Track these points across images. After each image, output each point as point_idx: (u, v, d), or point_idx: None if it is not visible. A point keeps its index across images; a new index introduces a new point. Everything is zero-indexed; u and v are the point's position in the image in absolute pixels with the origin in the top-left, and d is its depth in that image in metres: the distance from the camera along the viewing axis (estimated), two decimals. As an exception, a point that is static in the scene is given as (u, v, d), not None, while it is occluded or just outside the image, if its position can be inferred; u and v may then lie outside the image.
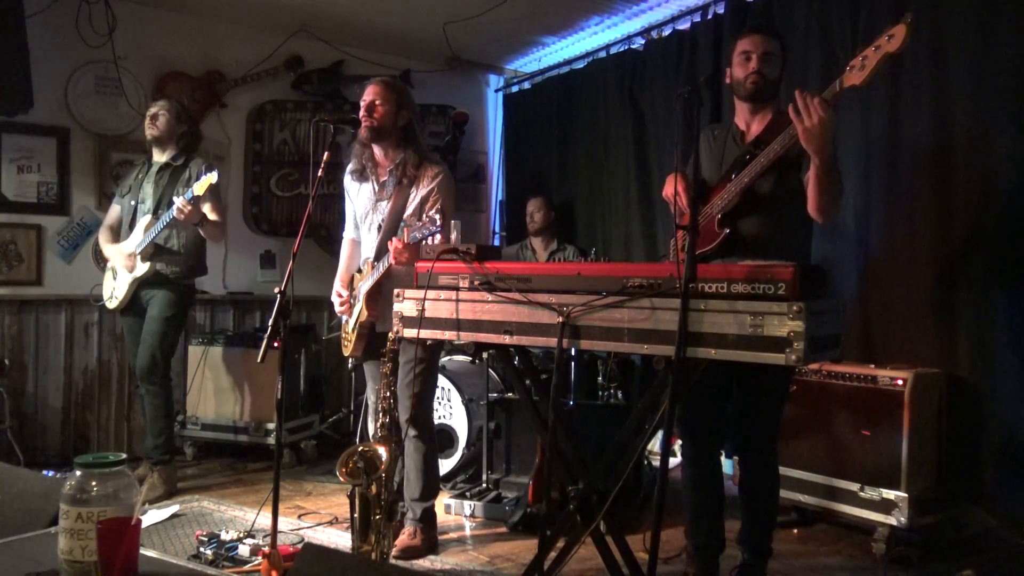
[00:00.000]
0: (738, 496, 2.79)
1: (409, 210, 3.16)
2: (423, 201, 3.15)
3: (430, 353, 3.18)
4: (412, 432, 3.16)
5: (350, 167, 3.30)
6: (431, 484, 3.25)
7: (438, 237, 2.74)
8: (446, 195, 3.16)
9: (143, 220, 3.91)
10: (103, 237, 4.12)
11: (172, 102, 4.09)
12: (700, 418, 2.71)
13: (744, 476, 2.77)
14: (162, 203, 3.90)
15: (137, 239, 3.90)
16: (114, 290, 4.01)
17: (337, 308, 3.36)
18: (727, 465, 4.40)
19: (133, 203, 4.00)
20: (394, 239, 2.92)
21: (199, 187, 3.67)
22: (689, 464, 2.78)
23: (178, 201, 3.68)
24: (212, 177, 3.68)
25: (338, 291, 3.36)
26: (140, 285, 3.95)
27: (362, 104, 3.16)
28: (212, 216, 3.91)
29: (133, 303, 4.00)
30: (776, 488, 2.79)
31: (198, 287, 4.71)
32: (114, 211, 4.13)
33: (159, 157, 4.04)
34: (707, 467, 2.76)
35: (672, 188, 2.60)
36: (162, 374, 3.96)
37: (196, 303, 4.59)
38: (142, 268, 3.89)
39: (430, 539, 3.23)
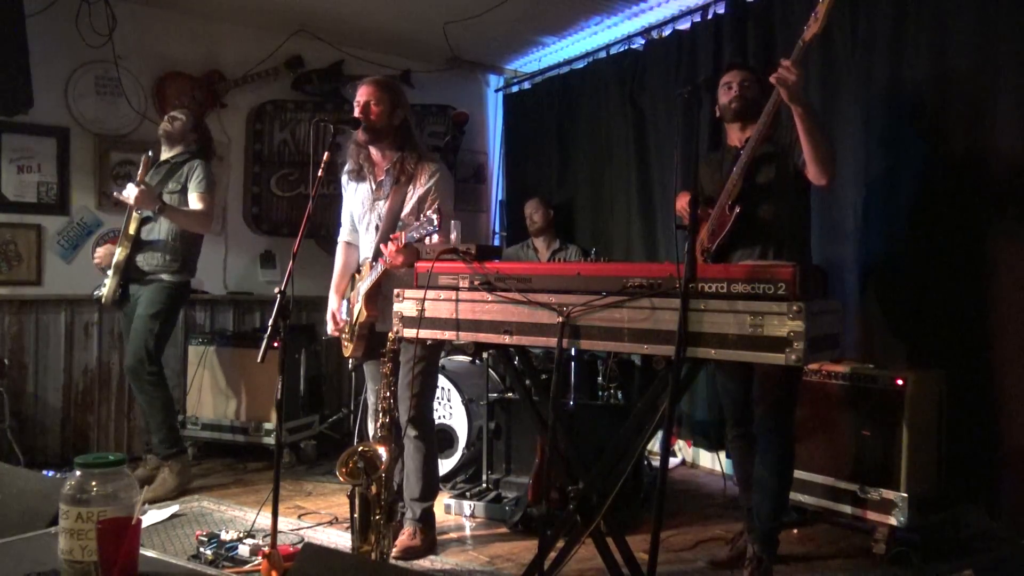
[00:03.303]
0: (754, 479, 2.90)
1: (407, 209, 3.15)
2: (421, 200, 3.13)
3: (430, 352, 3.17)
4: (412, 432, 3.16)
5: (347, 167, 3.29)
6: (431, 484, 3.25)
7: (435, 236, 2.74)
8: (444, 194, 3.15)
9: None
10: None
11: (192, 115, 4.24)
12: (738, 401, 2.99)
13: (759, 457, 2.87)
14: None
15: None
16: (105, 283, 4.02)
17: (329, 329, 3.35)
18: (727, 465, 4.42)
19: None
20: (389, 243, 2.91)
21: (140, 172, 3.83)
22: (737, 439, 3.05)
23: (128, 186, 3.80)
24: (144, 158, 3.89)
25: (333, 312, 3.34)
26: (128, 280, 3.98)
27: (356, 105, 3.14)
28: (198, 205, 3.94)
29: (123, 299, 4.02)
30: (788, 471, 2.89)
31: (198, 287, 4.72)
32: None
33: (164, 154, 4.11)
34: (751, 440, 2.97)
35: (682, 203, 2.88)
36: (148, 371, 3.94)
37: (191, 301, 4.57)
38: (115, 254, 3.95)
39: (430, 539, 3.23)
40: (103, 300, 4.05)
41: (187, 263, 4.06)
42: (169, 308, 4.00)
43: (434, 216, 2.66)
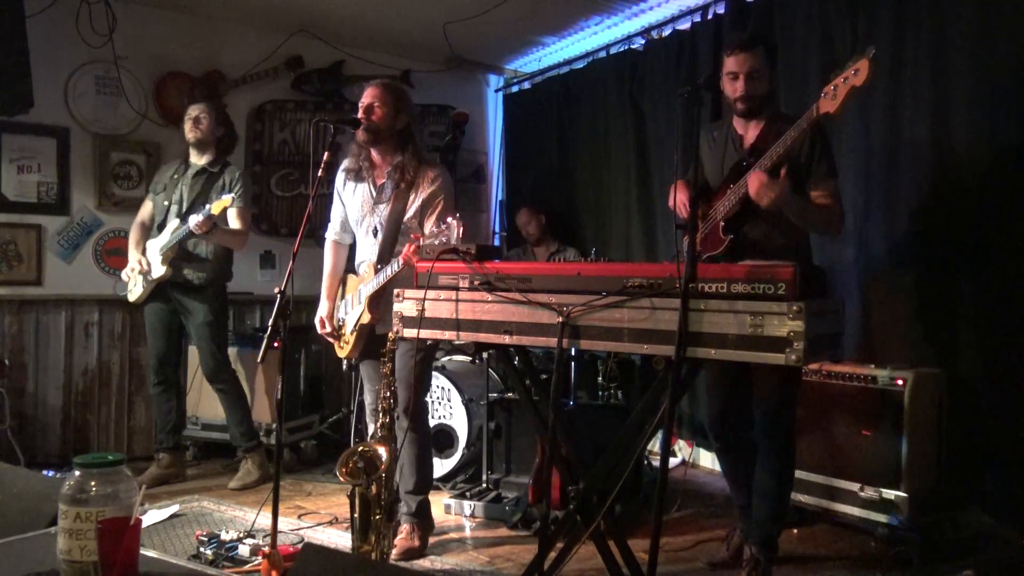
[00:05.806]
0: (755, 483, 2.87)
1: (409, 213, 3.15)
2: (424, 204, 3.14)
3: (426, 346, 3.17)
4: (407, 424, 3.16)
5: (345, 165, 3.29)
6: (425, 477, 3.26)
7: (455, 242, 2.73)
8: (448, 198, 3.17)
9: (172, 223, 4.01)
10: (134, 234, 4.19)
11: (211, 104, 4.21)
12: (729, 408, 2.91)
13: (760, 460, 2.85)
14: (194, 207, 3.99)
15: (164, 240, 4.02)
16: (134, 285, 4.12)
17: (319, 331, 3.36)
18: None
19: (166, 203, 4.10)
20: (408, 244, 2.88)
21: (215, 207, 3.79)
22: (721, 452, 3.02)
23: (193, 218, 3.82)
24: (226, 200, 3.80)
25: (323, 317, 3.34)
26: (168, 286, 4.07)
27: (360, 106, 3.16)
28: (236, 224, 4.04)
29: (157, 297, 4.11)
30: (789, 476, 2.88)
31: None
32: (147, 208, 4.23)
33: (197, 160, 4.15)
34: (741, 451, 2.93)
35: (676, 197, 2.82)
36: (227, 371, 4.19)
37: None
38: (159, 270, 4.02)
39: (427, 536, 3.24)
40: (136, 301, 4.15)
41: (229, 270, 4.24)
42: (222, 312, 4.23)
43: (454, 223, 2.66)
